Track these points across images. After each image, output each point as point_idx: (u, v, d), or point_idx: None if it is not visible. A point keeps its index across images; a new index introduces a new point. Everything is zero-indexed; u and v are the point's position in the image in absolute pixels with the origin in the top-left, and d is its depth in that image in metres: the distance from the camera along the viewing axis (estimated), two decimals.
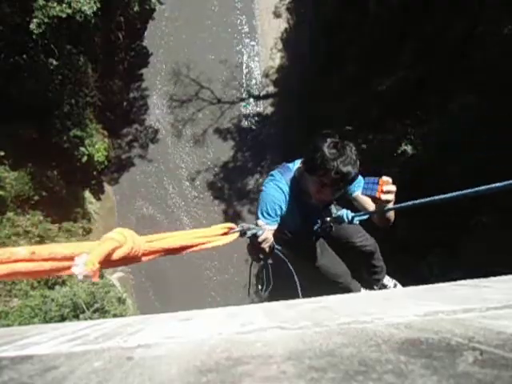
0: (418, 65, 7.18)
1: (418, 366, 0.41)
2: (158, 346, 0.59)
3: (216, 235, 1.31)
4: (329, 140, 1.76)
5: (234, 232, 1.47)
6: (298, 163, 2.11)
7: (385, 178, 1.74)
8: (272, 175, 2.10)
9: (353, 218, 2.08)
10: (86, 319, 7.50)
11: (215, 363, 0.46)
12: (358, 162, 1.77)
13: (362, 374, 0.39)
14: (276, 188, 2.01)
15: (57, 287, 8.52)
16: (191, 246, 1.16)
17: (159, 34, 12.50)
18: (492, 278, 1.39)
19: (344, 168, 1.71)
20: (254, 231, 1.65)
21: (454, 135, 6.06)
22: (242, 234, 1.61)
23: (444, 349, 0.48)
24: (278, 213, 2.00)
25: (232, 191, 11.25)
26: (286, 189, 2.01)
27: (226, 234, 1.40)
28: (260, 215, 1.99)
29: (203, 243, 1.24)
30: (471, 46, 6.31)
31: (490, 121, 5.55)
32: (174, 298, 10.13)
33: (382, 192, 1.73)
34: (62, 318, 7.59)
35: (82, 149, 10.10)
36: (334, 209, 2.22)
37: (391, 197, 1.74)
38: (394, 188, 1.74)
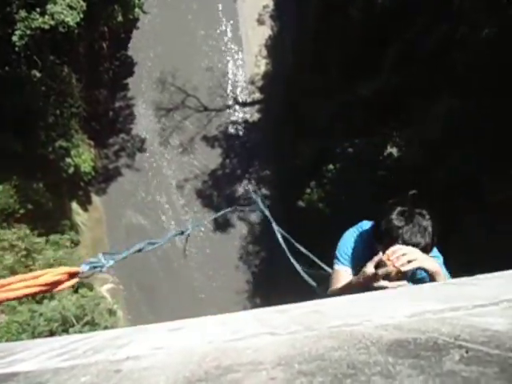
0: (400, 68, 7.31)
1: (405, 367, 0.41)
2: (147, 357, 0.59)
3: (58, 281, 1.22)
4: (398, 208, 1.66)
5: (81, 276, 1.34)
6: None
7: (389, 252, 1.58)
8: (354, 227, 2.02)
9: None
10: (75, 333, 7.36)
11: (205, 372, 0.46)
12: (431, 230, 1.60)
13: (350, 377, 0.40)
14: (355, 235, 1.96)
15: (45, 301, 8.35)
16: (34, 294, 1.13)
17: (144, 43, 12.49)
18: (479, 276, 1.41)
19: (411, 237, 1.58)
20: (99, 265, 1.44)
21: (437, 135, 6.17)
22: (93, 272, 1.41)
23: (431, 348, 0.48)
24: (349, 256, 1.91)
25: (221, 198, 11.23)
26: (362, 241, 1.92)
27: (70, 277, 1.25)
28: (338, 255, 1.94)
29: (47, 290, 1.18)
30: (451, 49, 6.45)
31: (474, 120, 5.67)
32: (166, 307, 10.02)
33: (393, 264, 1.55)
34: (51, 333, 7.43)
35: (68, 160, 9.98)
36: None
37: (406, 259, 1.55)
38: (403, 250, 1.57)
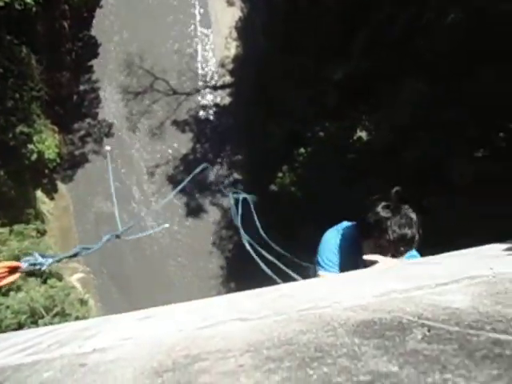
0: (368, 53, 7.37)
1: (370, 348, 0.42)
2: (115, 348, 0.57)
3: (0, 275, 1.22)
4: (383, 203, 1.69)
5: (21, 271, 1.35)
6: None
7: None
8: (334, 228, 1.99)
9: None
10: (45, 324, 7.18)
11: (173, 362, 0.46)
12: (417, 223, 1.64)
13: (317, 360, 0.40)
14: (336, 237, 1.92)
15: (11, 293, 8.06)
16: None
17: (108, 23, 11.94)
18: (443, 255, 1.47)
19: (400, 228, 1.61)
20: (40, 261, 1.46)
21: (406, 119, 6.31)
22: (33, 269, 1.43)
23: (395, 328, 0.49)
24: (337, 260, 1.90)
25: (193, 184, 11.10)
26: (345, 241, 1.91)
27: (10, 272, 1.25)
28: (321, 262, 1.90)
29: None
30: (418, 34, 6.55)
31: (442, 104, 5.82)
32: (139, 295, 9.93)
33: None
34: (20, 326, 7.20)
35: (31, 146, 9.52)
36: None
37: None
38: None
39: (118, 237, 2.05)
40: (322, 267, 1.89)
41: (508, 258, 1.04)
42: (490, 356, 0.35)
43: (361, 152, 7.71)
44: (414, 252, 1.84)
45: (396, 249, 1.64)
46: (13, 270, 1.28)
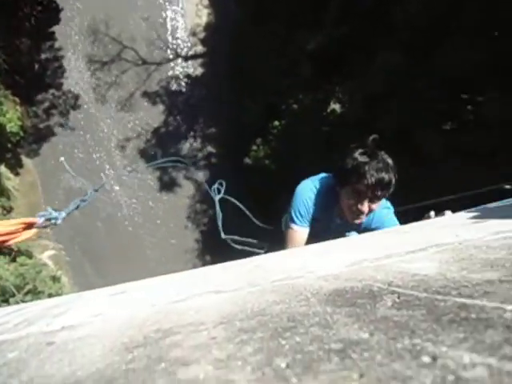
0: (341, 23, 7.28)
1: (342, 316, 0.43)
2: (84, 325, 0.56)
3: (16, 231, 1.22)
4: (358, 149, 1.70)
5: (37, 227, 1.36)
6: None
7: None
8: (309, 179, 1.95)
9: None
10: (17, 303, 7.03)
11: (144, 337, 0.45)
12: (393, 168, 1.67)
13: (289, 330, 0.40)
14: (311, 188, 1.88)
15: None
16: None
17: None
18: (412, 224, 1.52)
19: (378, 171, 1.63)
20: (54, 215, 1.50)
21: (379, 89, 6.35)
22: (49, 224, 1.47)
23: (366, 296, 0.50)
24: (311, 213, 1.86)
25: (165, 157, 10.90)
26: (321, 192, 1.87)
27: (26, 228, 1.28)
28: (294, 216, 1.87)
29: (4, 241, 1.17)
30: (392, 4, 6.50)
31: (414, 74, 5.88)
32: (113, 270, 9.85)
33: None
34: None
35: None
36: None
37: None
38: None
39: (84, 201, 2.07)
40: (294, 222, 1.88)
41: (473, 226, 1.08)
42: (456, 320, 0.36)
43: (334, 125, 7.74)
44: (387, 203, 1.91)
45: (373, 193, 1.66)
46: (28, 226, 1.28)
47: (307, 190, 1.88)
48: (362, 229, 1.87)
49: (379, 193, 1.66)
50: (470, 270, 0.57)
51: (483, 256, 0.65)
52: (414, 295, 0.47)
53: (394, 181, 1.67)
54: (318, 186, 1.88)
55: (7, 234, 1.17)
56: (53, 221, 1.43)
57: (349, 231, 1.97)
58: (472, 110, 6.23)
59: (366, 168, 1.62)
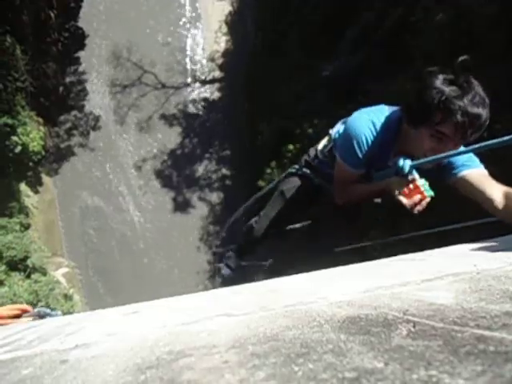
0: (357, 52, 7.41)
1: (356, 344, 0.42)
2: (97, 344, 0.56)
3: (8, 316, 1.21)
4: (441, 76, 1.29)
5: (27, 316, 1.33)
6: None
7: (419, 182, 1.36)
8: (364, 112, 1.57)
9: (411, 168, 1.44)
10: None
11: (156, 358, 0.45)
12: (488, 103, 1.27)
13: (302, 356, 0.40)
14: (368, 125, 1.50)
15: None
16: None
17: (95, 13, 11.73)
18: (426, 252, 1.49)
19: (474, 107, 1.23)
20: (50, 314, 1.40)
21: None
22: (40, 317, 1.36)
23: (381, 324, 0.49)
24: (366, 156, 1.53)
25: (180, 178, 11.03)
26: (379, 129, 1.50)
27: (18, 316, 1.24)
28: (349, 157, 1.56)
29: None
30: (407, 34, 6.61)
31: None
32: (125, 290, 9.85)
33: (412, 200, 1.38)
34: None
35: (15, 138, 9.32)
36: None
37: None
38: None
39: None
40: (347, 161, 1.60)
41: (491, 255, 1.06)
42: (474, 352, 0.36)
43: None
44: (473, 157, 1.48)
45: (463, 135, 1.30)
46: (20, 314, 1.29)
47: (364, 127, 1.52)
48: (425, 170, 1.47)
49: (471, 135, 1.30)
50: (488, 300, 0.56)
51: (502, 287, 0.64)
52: (431, 325, 0.46)
53: (488, 121, 1.28)
54: (376, 122, 1.52)
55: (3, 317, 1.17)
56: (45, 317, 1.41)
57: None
58: (487, 137, 6.19)
59: (459, 104, 1.24)
